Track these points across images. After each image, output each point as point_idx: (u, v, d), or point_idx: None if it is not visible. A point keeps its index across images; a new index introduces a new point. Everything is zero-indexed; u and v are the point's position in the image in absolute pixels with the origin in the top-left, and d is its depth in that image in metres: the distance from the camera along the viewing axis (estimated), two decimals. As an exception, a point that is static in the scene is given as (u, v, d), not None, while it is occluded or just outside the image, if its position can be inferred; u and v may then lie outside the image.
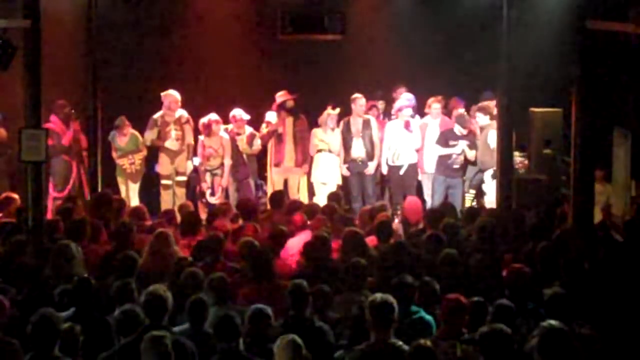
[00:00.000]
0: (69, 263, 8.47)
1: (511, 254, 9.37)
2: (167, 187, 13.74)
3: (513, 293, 7.73)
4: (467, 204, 13.62)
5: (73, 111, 13.39)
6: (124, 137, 13.69)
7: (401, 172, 13.86)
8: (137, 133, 13.79)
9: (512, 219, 10.65)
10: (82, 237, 9.52)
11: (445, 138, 13.69)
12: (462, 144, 13.64)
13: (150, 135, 13.62)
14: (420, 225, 11.01)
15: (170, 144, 13.62)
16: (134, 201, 13.45)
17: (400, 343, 6.31)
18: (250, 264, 8.47)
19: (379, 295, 6.51)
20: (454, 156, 13.66)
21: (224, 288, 7.65)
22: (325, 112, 13.91)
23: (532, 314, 7.39)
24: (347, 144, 13.91)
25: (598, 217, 12.22)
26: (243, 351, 6.50)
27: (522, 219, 10.61)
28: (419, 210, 11.51)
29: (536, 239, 9.78)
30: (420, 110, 14.22)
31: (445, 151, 13.63)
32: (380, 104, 14.85)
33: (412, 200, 11.98)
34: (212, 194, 13.71)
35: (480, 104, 13.91)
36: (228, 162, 13.71)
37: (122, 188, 13.70)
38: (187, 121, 13.73)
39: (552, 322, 6.16)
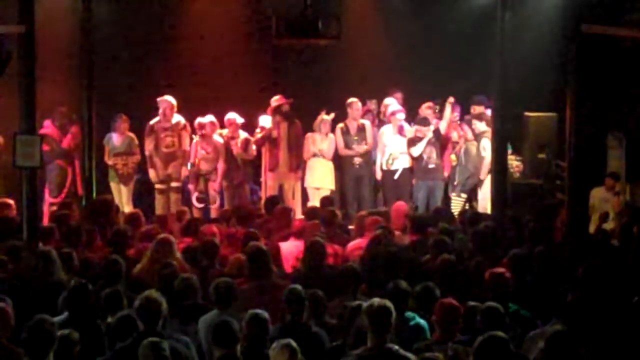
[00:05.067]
0: (50, 269, 8.42)
1: (508, 259, 9.36)
2: (161, 191, 13.70)
3: (494, 297, 7.73)
4: (459, 208, 13.62)
5: (74, 115, 13.40)
6: (120, 135, 13.66)
7: (395, 176, 13.85)
8: (133, 136, 13.77)
9: (509, 224, 10.66)
10: (78, 243, 9.51)
11: (410, 144, 13.70)
12: (422, 144, 13.62)
13: (150, 143, 13.61)
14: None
15: (165, 150, 13.60)
16: (127, 206, 13.44)
17: (397, 348, 6.30)
18: (250, 263, 8.49)
19: (376, 300, 6.49)
20: (424, 157, 13.65)
21: (229, 293, 7.64)
22: (319, 117, 13.91)
23: (513, 317, 7.41)
24: (349, 146, 13.91)
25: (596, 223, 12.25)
26: (240, 357, 6.48)
27: (518, 224, 10.62)
28: (403, 215, 11.50)
29: (532, 243, 9.80)
30: (415, 114, 14.21)
31: (416, 151, 13.60)
32: (373, 105, 14.82)
33: (397, 205, 11.96)
34: (203, 200, 13.68)
35: (476, 112, 13.88)
36: (221, 166, 13.70)
37: (116, 193, 13.67)
38: (184, 127, 13.70)
39: (558, 326, 6.18)
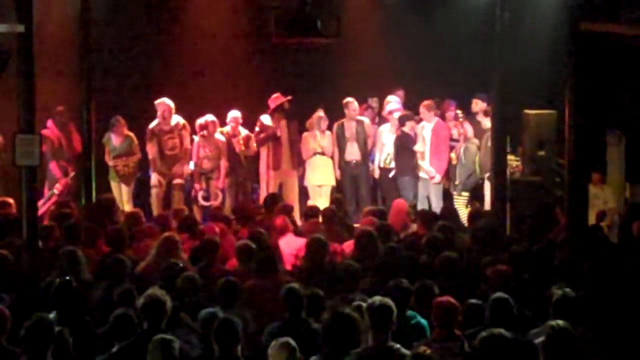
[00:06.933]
0: (76, 269, 8.42)
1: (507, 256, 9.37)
2: (160, 184, 13.65)
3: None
4: (461, 207, 13.62)
5: (72, 124, 13.45)
6: (119, 137, 13.64)
7: (391, 174, 13.87)
8: (132, 135, 13.75)
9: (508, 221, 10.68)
10: (77, 242, 9.53)
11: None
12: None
13: (153, 147, 13.59)
14: (410, 229, 11.03)
15: (169, 152, 13.60)
16: (127, 205, 13.44)
17: (398, 346, 6.31)
18: (255, 260, 8.50)
19: (377, 299, 6.51)
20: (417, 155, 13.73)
21: (232, 292, 7.65)
22: (315, 115, 13.89)
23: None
24: (341, 147, 13.90)
25: (593, 220, 12.23)
26: (240, 357, 6.48)
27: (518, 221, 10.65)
28: (404, 214, 11.50)
29: (530, 241, 9.81)
30: (416, 112, 14.20)
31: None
32: (374, 103, 14.84)
33: (397, 202, 11.96)
34: (206, 198, 13.68)
35: (483, 108, 13.87)
36: (224, 163, 13.69)
37: (116, 192, 13.66)
38: (184, 127, 13.69)
39: (560, 321, 6.20)
